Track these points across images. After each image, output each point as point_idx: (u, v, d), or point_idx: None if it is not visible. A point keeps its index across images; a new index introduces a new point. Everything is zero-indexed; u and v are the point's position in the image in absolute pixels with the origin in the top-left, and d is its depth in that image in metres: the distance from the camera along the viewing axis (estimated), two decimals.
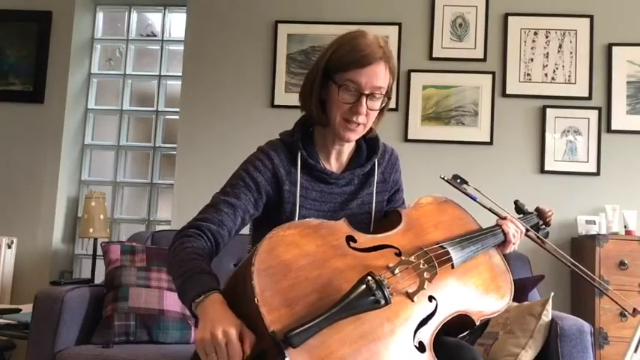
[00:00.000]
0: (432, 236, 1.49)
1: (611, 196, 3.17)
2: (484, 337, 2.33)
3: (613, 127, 3.26)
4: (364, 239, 1.37)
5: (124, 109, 3.81)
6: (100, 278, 3.08)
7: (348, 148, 1.62)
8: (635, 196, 3.18)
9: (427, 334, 1.30)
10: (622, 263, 2.79)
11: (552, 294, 2.26)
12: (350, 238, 1.35)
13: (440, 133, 3.35)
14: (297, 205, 1.52)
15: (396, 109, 3.37)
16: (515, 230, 1.67)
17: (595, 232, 2.99)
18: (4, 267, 3.36)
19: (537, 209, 1.98)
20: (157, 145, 3.77)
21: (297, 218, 1.50)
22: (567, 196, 3.24)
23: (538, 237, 1.82)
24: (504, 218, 1.69)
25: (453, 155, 3.32)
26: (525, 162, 3.30)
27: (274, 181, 1.53)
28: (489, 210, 1.79)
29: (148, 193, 3.75)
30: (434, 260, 1.36)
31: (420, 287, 1.29)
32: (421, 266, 1.32)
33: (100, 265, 2.97)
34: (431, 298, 1.34)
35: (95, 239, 3.40)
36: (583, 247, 3.00)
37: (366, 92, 1.47)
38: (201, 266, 1.30)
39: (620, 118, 3.27)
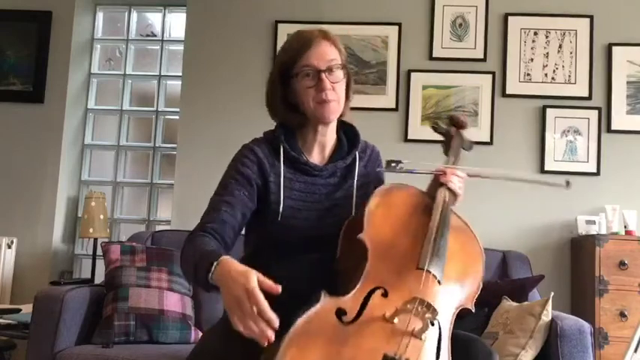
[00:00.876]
0: (404, 253, 1.42)
1: (611, 196, 3.17)
2: (484, 337, 2.33)
3: (613, 127, 3.26)
4: (351, 301, 1.31)
5: (124, 109, 3.81)
6: (100, 278, 3.07)
7: (329, 141, 1.68)
8: (635, 196, 3.18)
9: (445, 354, 1.31)
10: (622, 263, 2.79)
11: (552, 294, 2.26)
12: (339, 313, 1.28)
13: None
14: (282, 195, 1.57)
15: (396, 109, 3.37)
16: (459, 181, 1.64)
17: (595, 232, 2.99)
18: (4, 267, 3.36)
19: (451, 118, 1.86)
20: (157, 145, 3.77)
21: (281, 209, 1.55)
22: (567, 196, 3.23)
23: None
24: (444, 174, 1.62)
25: None
26: (525, 162, 3.30)
27: (260, 173, 1.59)
28: (430, 172, 1.71)
29: (148, 193, 3.75)
30: (425, 300, 1.31)
31: (425, 327, 1.27)
32: (419, 309, 1.29)
33: (100, 265, 2.97)
34: (433, 322, 1.33)
35: (95, 239, 3.40)
36: (583, 247, 3.00)
37: (323, 68, 1.55)
38: (207, 250, 1.37)
39: (620, 118, 3.27)
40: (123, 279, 2.54)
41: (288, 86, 1.61)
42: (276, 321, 1.18)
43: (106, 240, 3.33)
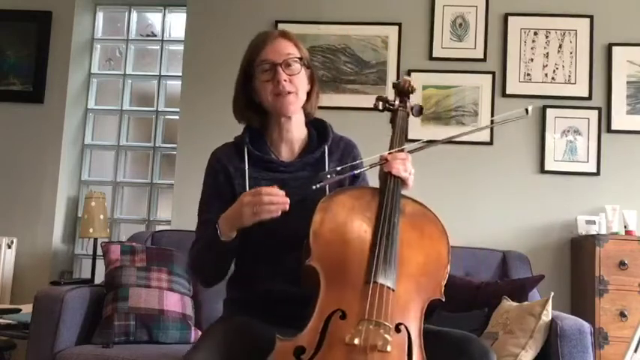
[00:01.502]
0: (355, 267, 1.36)
1: (611, 196, 3.17)
2: (484, 337, 2.33)
3: (613, 127, 3.26)
4: (308, 336, 1.28)
5: (124, 109, 3.81)
6: (100, 278, 3.07)
7: (298, 137, 1.69)
8: (635, 196, 3.18)
9: (418, 353, 1.28)
10: (622, 263, 2.79)
11: (552, 294, 2.26)
12: (297, 353, 1.26)
13: (440, 133, 3.34)
14: None
15: None
16: (402, 163, 1.53)
17: (595, 232, 2.99)
18: (4, 267, 3.36)
19: (395, 87, 1.75)
20: (157, 145, 3.77)
21: None
22: (567, 196, 3.24)
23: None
24: (385, 161, 1.53)
25: (453, 155, 3.31)
26: (525, 162, 3.29)
27: (226, 179, 1.63)
28: (371, 167, 1.61)
29: (148, 193, 3.75)
30: (373, 320, 1.27)
31: (385, 342, 1.23)
32: (370, 328, 1.25)
33: (100, 265, 2.97)
34: (398, 329, 1.30)
35: (95, 239, 3.40)
36: (583, 247, 3.00)
37: (279, 61, 1.59)
38: (206, 234, 1.55)
39: (620, 118, 3.27)
40: (123, 279, 2.54)
41: (250, 84, 1.64)
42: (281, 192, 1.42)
43: (106, 240, 3.33)
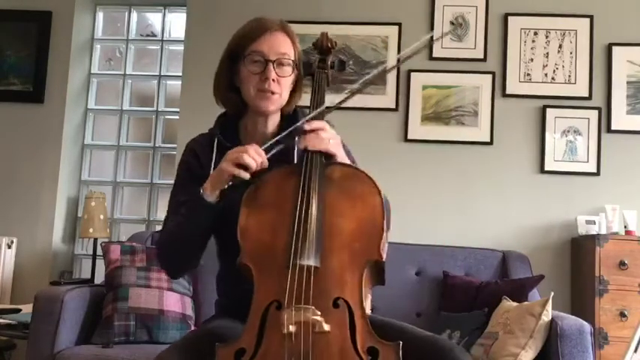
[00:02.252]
0: (280, 254, 1.31)
1: (611, 196, 3.17)
2: (484, 337, 2.33)
3: (613, 127, 3.26)
4: (247, 336, 1.26)
5: (124, 109, 3.81)
6: (100, 278, 3.07)
7: (270, 127, 1.63)
8: (635, 196, 3.18)
9: (365, 333, 1.23)
10: (622, 263, 2.79)
11: (552, 294, 2.26)
12: (238, 355, 1.24)
13: (440, 133, 3.35)
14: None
15: (396, 109, 3.37)
16: (316, 136, 1.43)
17: (595, 232, 2.99)
18: (4, 267, 3.36)
19: (314, 45, 1.69)
20: (157, 145, 3.77)
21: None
22: (567, 196, 3.24)
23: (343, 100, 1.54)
24: (302, 133, 1.45)
25: (453, 155, 3.32)
26: (525, 162, 3.29)
27: (201, 170, 1.58)
28: (287, 145, 1.54)
29: (148, 193, 3.75)
30: (292, 305, 1.23)
31: (319, 323, 1.21)
32: (298, 313, 1.21)
33: (100, 265, 2.97)
34: (336, 304, 1.26)
35: (95, 239, 3.40)
36: (583, 247, 3.00)
37: (272, 59, 1.53)
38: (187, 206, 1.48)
39: (620, 118, 3.27)
40: (123, 279, 2.54)
41: (235, 68, 1.59)
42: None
43: (106, 240, 3.32)
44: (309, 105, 1.56)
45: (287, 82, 1.58)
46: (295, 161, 1.55)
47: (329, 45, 1.67)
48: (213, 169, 1.49)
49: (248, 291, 1.32)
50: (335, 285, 1.28)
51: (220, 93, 1.65)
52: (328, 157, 1.45)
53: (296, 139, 1.54)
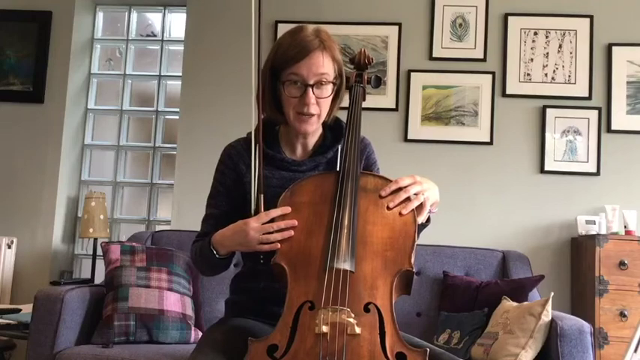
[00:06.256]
0: (317, 256, 1.36)
1: (611, 196, 3.17)
2: (484, 337, 2.33)
3: (613, 127, 3.26)
4: (279, 333, 1.30)
5: (124, 109, 3.82)
6: (100, 278, 3.07)
7: (312, 139, 1.66)
8: (635, 196, 3.18)
9: (394, 339, 1.28)
10: (622, 263, 2.79)
11: (552, 294, 2.26)
12: (271, 351, 1.28)
13: (440, 133, 3.35)
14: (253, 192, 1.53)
15: (396, 109, 3.37)
16: (416, 199, 1.45)
17: (595, 232, 2.99)
18: (4, 267, 3.36)
19: (351, 62, 1.70)
20: (157, 145, 3.77)
21: (261, 205, 1.49)
22: (567, 196, 3.24)
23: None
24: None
25: (453, 155, 3.32)
26: (525, 162, 3.30)
27: (237, 177, 1.62)
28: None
29: (148, 193, 3.75)
30: (329, 306, 1.28)
31: (351, 326, 1.26)
32: (331, 315, 1.26)
33: (100, 265, 2.97)
34: (367, 309, 1.30)
35: (95, 239, 3.40)
36: (583, 247, 3.00)
37: (311, 82, 1.52)
38: (203, 243, 1.57)
39: (620, 118, 3.27)
40: (123, 279, 2.54)
41: (277, 85, 1.58)
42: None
43: (106, 240, 3.33)
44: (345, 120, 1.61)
45: (327, 102, 1.58)
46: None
47: (366, 61, 1.70)
48: (253, 175, 1.53)
49: (274, 289, 1.43)
50: (367, 290, 1.33)
51: (269, 107, 1.62)
52: None
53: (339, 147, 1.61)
